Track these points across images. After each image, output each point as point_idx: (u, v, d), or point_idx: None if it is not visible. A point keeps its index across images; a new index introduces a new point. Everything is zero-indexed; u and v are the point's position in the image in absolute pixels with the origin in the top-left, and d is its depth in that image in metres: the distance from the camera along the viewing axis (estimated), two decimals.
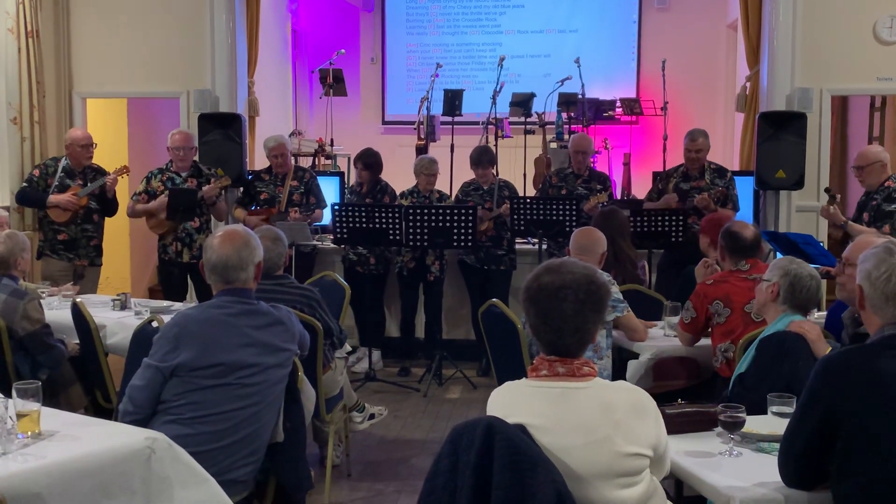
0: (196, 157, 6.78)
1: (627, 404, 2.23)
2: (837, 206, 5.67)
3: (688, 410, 2.87)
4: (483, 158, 6.93)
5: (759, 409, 2.84)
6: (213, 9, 7.48)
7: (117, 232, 7.79)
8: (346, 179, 8.00)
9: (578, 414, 2.21)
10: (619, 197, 8.50)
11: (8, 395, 2.69)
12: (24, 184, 6.61)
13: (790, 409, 2.69)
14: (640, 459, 2.21)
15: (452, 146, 8.02)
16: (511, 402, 2.28)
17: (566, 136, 8.83)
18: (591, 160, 7.38)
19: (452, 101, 8.43)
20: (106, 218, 6.67)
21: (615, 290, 4.29)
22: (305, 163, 8.77)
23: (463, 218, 6.38)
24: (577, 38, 10.79)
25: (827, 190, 5.95)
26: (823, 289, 4.60)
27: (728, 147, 9.70)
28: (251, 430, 3.05)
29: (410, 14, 11.21)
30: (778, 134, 6.91)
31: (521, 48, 10.77)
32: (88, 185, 6.41)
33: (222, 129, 7.25)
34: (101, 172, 6.50)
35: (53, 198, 6.35)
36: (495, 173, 7.13)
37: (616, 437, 2.18)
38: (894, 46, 7.06)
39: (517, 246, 7.08)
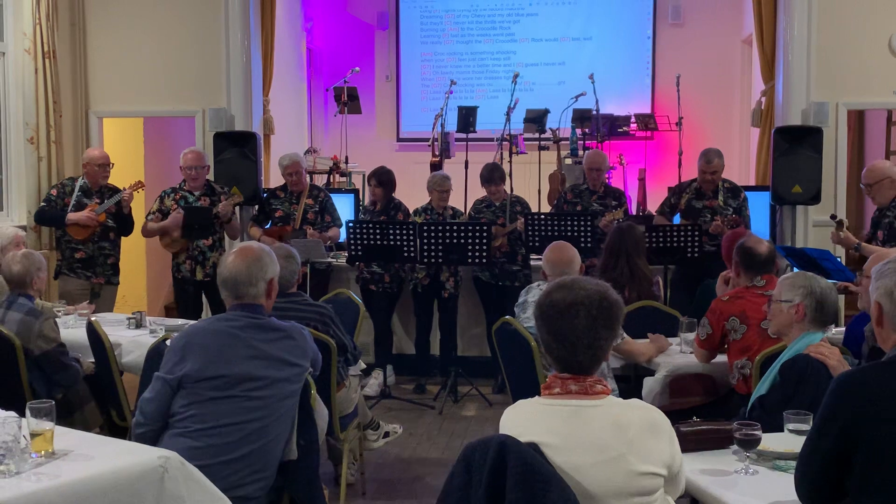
0: (209, 176, 6.82)
1: (641, 423, 2.21)
2: (847, 230, 5.64)
3: (703, 428, 2.84)
4: (494, 175, 6.93)
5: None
6: (229, 28, 7.53)
7: (133, 250, 7.82)
8: (360, 197, 8.02)
9: (591, 432, 2.19)
10: (633, 213, 8.48)
11: (23, 414, 2.70)
12: (43, 203, 6.65)
13: (807, 427, 2.67)
14: (654, 478, 2.19)
15: (467, 162, 8.03)
16: (524, 420, 2.27)
17: (581, 152, 8.82)
18: (607, 176, 7.37)
19: (466, 117, 8.44)
20: (122, 237, 6.71)
21: None
22: (320, 180, 8.80)
23: (477, 234, 6.38)
24: (592, 46, 10.80)
25: (833, 217, 5.93)
26: (841, 303, 4.58)
27: (744, 162, 9.67)
28: (259, 444, 3.04)
29: (425, 30, 11.25)
30: (794, 148, 6.88)
31: (535, 56, 10.80)
32: (105, 202, 6.46)
33: (238, 147, 7.29)
34: (117, 192, 6.55)
35: (72, 216, 6.39)
36: (508, 189, 7.12)
37: (630, 456, 2.17)
38: None
39: (532, 262, 7.06)
